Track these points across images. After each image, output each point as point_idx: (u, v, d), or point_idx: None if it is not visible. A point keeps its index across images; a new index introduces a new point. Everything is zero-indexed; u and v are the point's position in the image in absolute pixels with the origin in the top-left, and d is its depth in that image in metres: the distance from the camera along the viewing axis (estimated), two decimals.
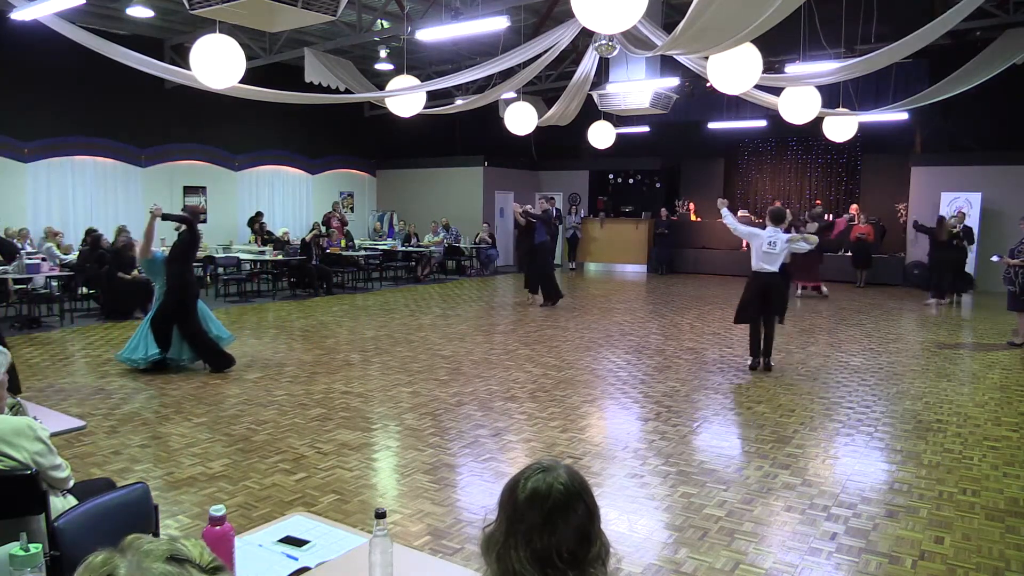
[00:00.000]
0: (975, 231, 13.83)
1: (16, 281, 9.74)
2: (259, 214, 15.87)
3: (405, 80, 8.35)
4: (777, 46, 9.82)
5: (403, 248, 16.75)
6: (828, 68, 7.71)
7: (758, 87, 7.50)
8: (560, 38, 7.42)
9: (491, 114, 12.92)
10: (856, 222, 15.21)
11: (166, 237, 10.54)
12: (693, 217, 18.88)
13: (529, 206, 13.06)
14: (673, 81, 10.07)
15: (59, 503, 2.60)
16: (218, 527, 1.87)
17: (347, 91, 9.85)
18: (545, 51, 7.78)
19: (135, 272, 10.67)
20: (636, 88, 9.96)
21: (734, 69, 6.26)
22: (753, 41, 5.78)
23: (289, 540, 2.20)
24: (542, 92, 14.43)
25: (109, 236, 11.23)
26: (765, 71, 6.58)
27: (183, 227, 7.50)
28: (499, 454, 4.97)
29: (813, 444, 5.24)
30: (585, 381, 7.10)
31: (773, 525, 3.88)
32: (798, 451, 5.06)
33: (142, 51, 6.96)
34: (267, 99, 8.03)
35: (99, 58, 6.78)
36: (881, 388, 6.86)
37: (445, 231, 17.60)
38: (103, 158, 14.04)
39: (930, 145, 16.08)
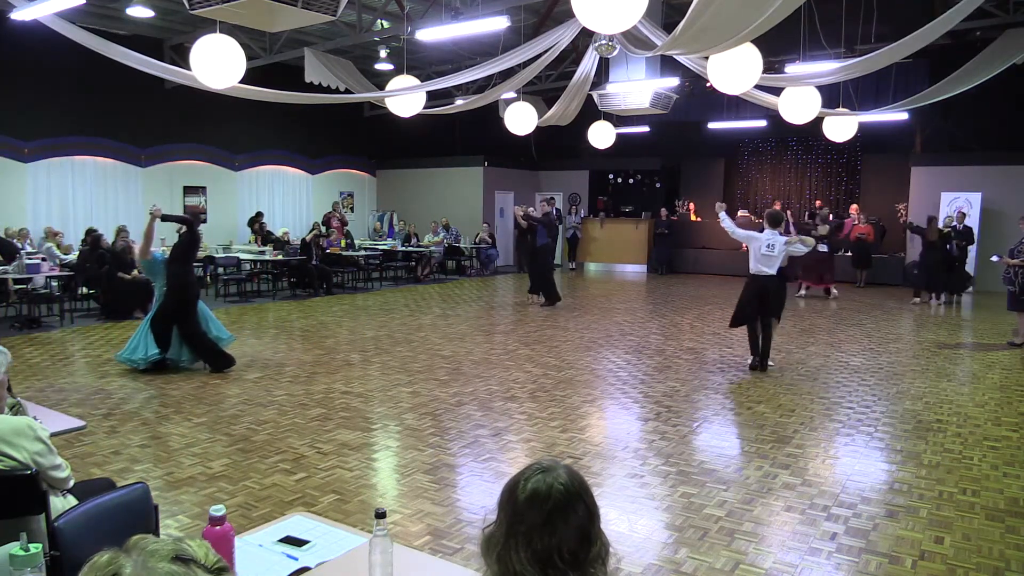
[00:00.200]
0: (975, 231, 13.84)
1: (16, 281, 9.74)
2: (259, 214, 15.86)
3: (405, 80, 8.35)
4: (777, 46, 9.82)
5: (403, 248, 16.75)
6: (828, 68, 7.71)
7: (758, 87, 7.50)
8: (560, 38, 7.42)
9: (491, 114, 12.91)
10: (856, 222, 15.22)
11: (166, 237, 10.56)
12: (693, 217, 18.88)
13: (532, 208, 13.06)
14: (673, 81, 10.07)
15: (59, 503, 2.60)
16: (218, 527, 1.87)
17: (347, 91, 9.85)
18: (545, 51, 7.78)
19: (135, 272, 10.67)
20: (636, 88, 9.96)
21: (734, 69, 6.25)
22: (753, 41, 5.77)
23: (289, 540, 2.20)
24: (542, 92, 14.43)
25: (109, 236, 11.23)
26: (765, 71, 6.58)
27: (184, 227, 7.51)
28: (499, 454, 4.97)
29: (813, 444, 5.24)
30: (585, 381, 7.10)
31: (773, 525, 3.88)
32: (798, 451, 5.06)
33: (142, 51, 6.96)
34: (267, 99, 8.03)
35: (99, 58, 6.78)
36: (881, 388, 6.86)
37: (445, 231, 17.60)
38: (103, 158, 14.03)
39: (930, 145, 16.08)
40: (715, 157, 19.29)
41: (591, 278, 17.64)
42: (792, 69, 9.56)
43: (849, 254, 15.32)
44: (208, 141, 15.72)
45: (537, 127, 9.71)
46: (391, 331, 9.69)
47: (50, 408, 3.93)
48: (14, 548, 1.74)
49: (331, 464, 4.73)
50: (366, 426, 5.57)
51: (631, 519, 3.92)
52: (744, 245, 7.90)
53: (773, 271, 7.42)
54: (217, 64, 5.74)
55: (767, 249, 7.35)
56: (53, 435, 2.70)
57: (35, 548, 1.74)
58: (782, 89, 8.04)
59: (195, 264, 8.87)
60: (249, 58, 6.94)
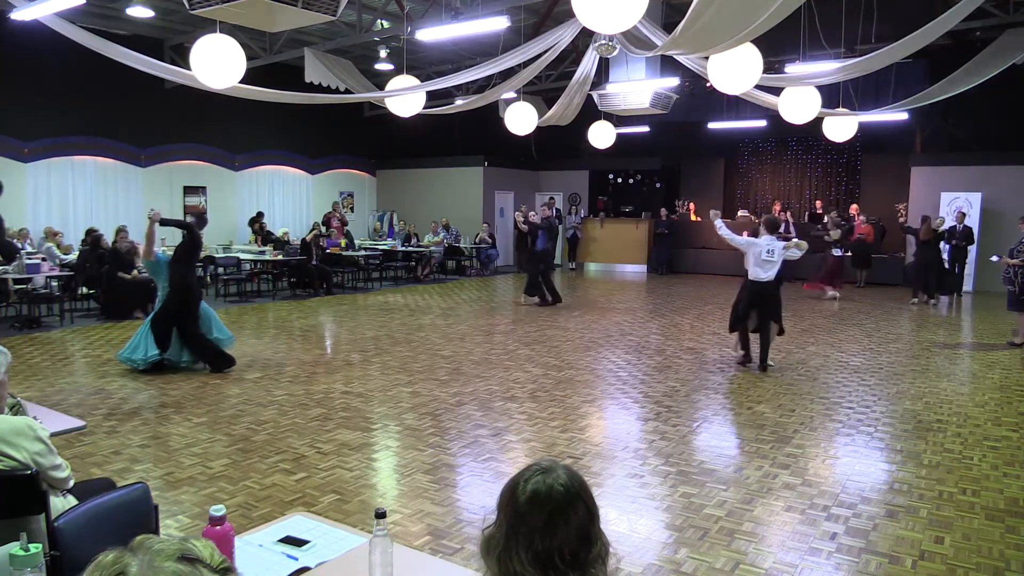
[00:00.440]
0: (975, 231, 13.85)
1: (16, 281, 9.74)
2: (260, 214, 15.86)
3: (405, 80, 8.35)
4: (777, 46, 9.82)
5: (403, 248, 16.75)
6: (828, 68, 7.71)
7: (758, 87, 7.50)
8: (560, 38, 7.41)
9: (491, 114, 12.91)
10: (863, 222, 15.22)
11: (166, 237, 10.55)
12: (693, 217, 18.89)
13: (533, 212, 13.01)
14: (673, 81, 10.07)
15: (59, 503, 2.60)
16: (218, 527, 1.87)
17: (347, 91, 9.85)
18: (545, 51, 7.78)
19: (135, 272, 10.68)
20: (636, 88, 9.95)
21: (734, 69, 6.25)
22: (753, 41, 5.77)
23: (289, 540, 2.20)
24: (542, 92, 14.42)
25: (109, 236, 11.23)
26: (765, 71, 6.57)
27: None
28: (499, 454, 4.97)
29: (813, 444, 5.24)
30: (585, 381, 7.10)
31: (773, 525, 3.88)
32: (798, 451, 5.06)
33: (142, 51, 6.95)
34: (267, 99, 8.03)
35: (99, 58, 6.77)
36: (881, 388, 6.86)
37: (445, 231, 17.60)
38: (103, 158, 14.03)
39: (930, 145, 16.08)
40: (715, 157, 19.29)
41: (591, 278, 17.63)
42: (792, 69, 9.56)
43: (849, 254, 15.32)
44: (208, 141, 15.72)
45: (537, 127, 9.71)
46: (391, 331, 9.69)
47: (50, 408, 3.93)
48: (14, 548, 1.74)
49: (331, 464, 4.73)
50: (366, 426, 5.57)
51: (631, 519, 3.92)
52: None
53: (772, 276, 7.44)
54: (217, 64, 5.74)
55: (767, 255, 7.35)
56: (53, 435, 2.70)
57: (35, 548, 1.74)
58: (782, 89, 8.04)
59: (197, 265, 8.87)
60: (249, 58, 6.94)
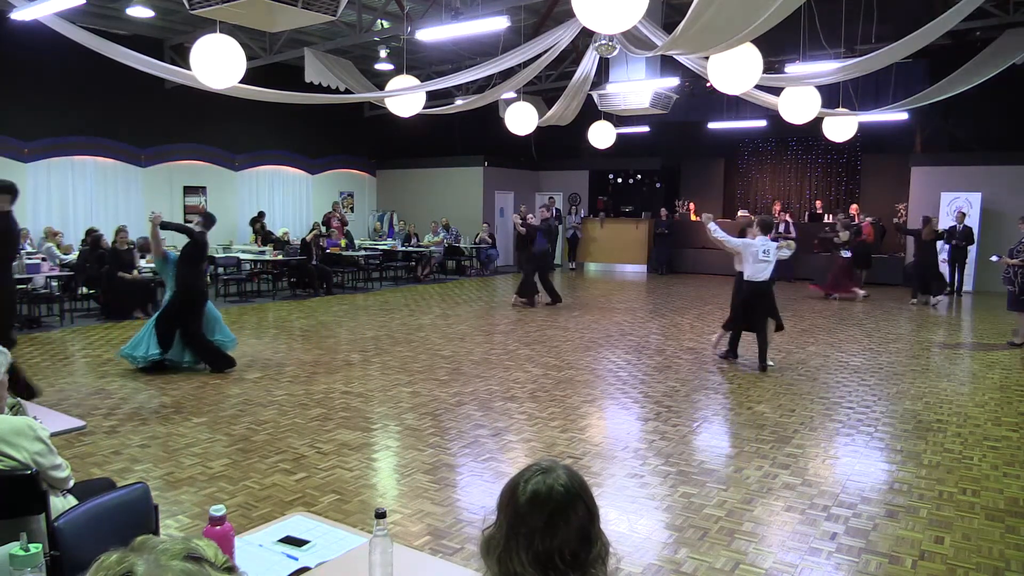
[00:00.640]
0: (975, 231, 13.85)
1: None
2: (261, 214, 15.85)
3: (405, 80, 8.35)
4: (777, 46, 9.82)
5: (403, 248, 16.75)
6: (828, 68, 7.71)
7: (758, 87, 7.50)
8: (560, 38, 7.42)
9: (491, 114, 12.91)
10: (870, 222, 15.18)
11: (166, 238, 10.54)
12: (693, 217, 18.88)
13: (531, 215, 12.98)
14: (673, 81, 10.07)
15: (59, 503, 2.60)
16: (218, 527, 1.87)
17: (347, 91, 9.85)
18: (545, 51, 7.78)
19: (135, 272, 10.68)
20: (636, 88, 9.95)
21: (734, 69, 6.25)
22: (753, 41, 5.77)
23: (289, 540, 2.20)
24: (542, 92, 14.42)
25: (109, 236, 11.23)
26: (765, 71, 6.57)
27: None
28: (499, 454, 4.97)
29: (813, 444, 5.24)
30: (585, 381, 7.10)
31: (773, 525, 3.88)
32: (798, 451, 5.06)
33: (142, 51, 6.95)
34: (267, 99, 8.03)
35: (99, 58, 6.78)
36: (881, 388, 6.86)
37: (445, 231, 17.60)
38: (103, 158, 14.03)
39: (930, 145, 16.08)
40: (715, 157, 19.30)
41: (591, 278, 17.63)
42: (792, 69, 9.56)
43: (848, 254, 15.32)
44: (208, 141, 15.72)
45: (537, 127, 9.71)
46: (391, 331, 9.70)
47: (50, 408, 3.93)
48: (14, 548, 1.74)
49: (331, 464, 4.73)
50: (366, 426, 5.57)
51: (631, 519, 3.92)
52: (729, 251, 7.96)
53: (767, 277, 7.49)
54: (217, 64, 5.74)
55: (763, 255, 7.42)
56: (53, 435, 2.70)
57: (35, 548, 1.74)
58: (782, 89, 8.04)
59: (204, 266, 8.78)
60: (249, 58, 6.94)
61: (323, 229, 14.50)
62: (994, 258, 9.78)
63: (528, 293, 12.15)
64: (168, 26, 13.01)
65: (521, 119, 9.34)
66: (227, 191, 16.21)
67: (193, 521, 3.85)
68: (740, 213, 17.23)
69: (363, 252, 15.44)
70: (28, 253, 10.69)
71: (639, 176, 20.40)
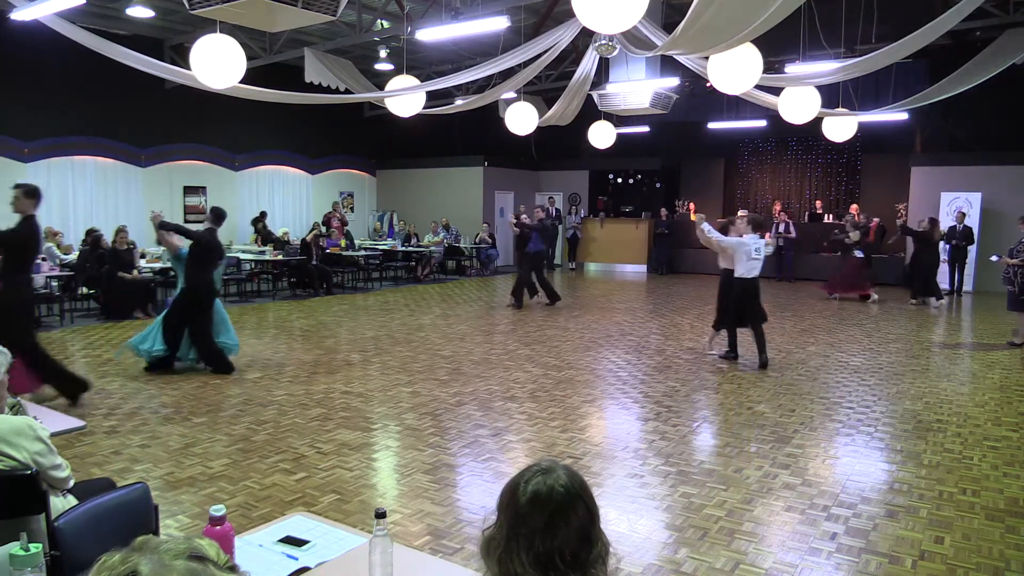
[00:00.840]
0: (975, 231, 13.85)
1: None
2: (263, 214, 15.82)
3: (405, 80, 8.35)
4: (777, 46, 9.81)
5: (403, 248, 16.75)
6: (828, 68, 7.71)
7: (758, 87, 7.50)
8: (560, 38, 7.41)
9: (491, 114, 12.91)
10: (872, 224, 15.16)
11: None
12: (693, 217, 18.88)
13: (524, 216, 12.90)
14: (673, 81, 10.07)
15: (59, 503, 2.60)
16: (218, 527, 1.87)
17: (347, 91, 9.85)
18: (545, 51, 7.78)
19: (135, 272, 10.69)
20: (636, 88, 9.95)
21: (734, 69, 6.25)
22: (753, 41, 5.77)
23: (289, 540, 2.20)
24: (542, 92, 14.42)
25: (109, 236, 11.23)
26: (765, 71, 6.57)
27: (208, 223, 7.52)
28: (499, 454, 4.97)
29: (813, 444, 5.24)
30: (585, 381, 7.10)
31: (773, 525, 3.88)
32: (798, 451, 5.06)
33: (142, 51, 6.95)
34: (267, 99, 8.03)
35: (99, 58, 6.77)
36: (881, 388, 6.86)
37: (445, 231, 17.60)
38: (103, 158, 14.03)
39: (930, 145, 16.08)
40: (715, 157, 19.29)
41: (591, 278, 17.63)
42: (792, 69, 9.56)
43: (838, 253, 15.30)
44: (208, 141, 15.71)
45: (537, 127, 9.71)
46: (391, 331, 9.70)
47: (50, 408, 3.93)
48: (14, 548, 1.74)
49: (331, 464, 4.73)
50: (366, 426, 5.57)
51: (631, 519, 3.92)
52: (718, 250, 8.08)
53: (758, 274, 7.68)
54: (217, 64, 5.74)
55: (755, 253, 7.58)
56: (53, 435, 2.70)
57: (35, 548, 1.74)
58: (782, 89, 8.04)
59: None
60: (249, 58, 6.93)
61: (323, 229, 14.50)
62: (994, 258, 9.78)
63: (518, 294, 12.04)
64: (168, 26, 13.01)
65: (521, 119, 9.34)
66: (227, 191, 16.20)
67: (193, 521, 3.85)
68: (740, 213, 17.19)
69: (363, 252, 15.44)
70: None
71: (639, 176, 20.39)
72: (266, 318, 10.85)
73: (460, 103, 10.28)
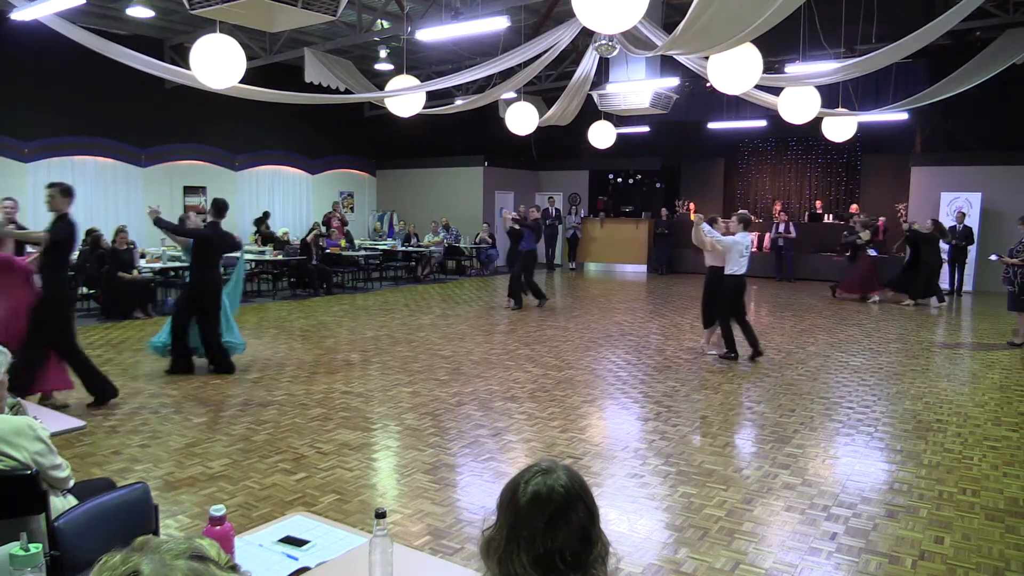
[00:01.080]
0: (975, 231, 13.85)
1: None
2: (266, 214, 15.80)
3: (405, 80, 8.35)
4: (777, 46, 9.82)
5: (403, 248, 16.75)
6: (828, 68, 7.71)
7: (758, 87, 7.50)
8: (560, 38, 7.41)
9: (491, 114, 12.90)
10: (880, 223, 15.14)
11: (165, 238, 10.54)
12: (693, 217, 18.85)
13: (514, 213, 12.76)
14: (673, 81, 10.07)
15: (59, 503, 2.60)
16: (218, 527, 1.87)
17: (347, 91, 9.85)
18: (545, 51, 7.78)
19: (135, 272, 10.68)
20: (636, 88, 9.95)
21: (734, 69, 6.25)
22: (753, 41, 5.77)
23: (289, 540, 2.20)
24: (542, 92, 14.42)
25: (109, 236, 11.23)
26: (765, 71, 6.57)
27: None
28: (499, 454, 4.97)
29: (813, 444, 5.24)
30: (585, 381, 7.10)
31: (773, 525, 3.88)
32: (798, 451, 5.06)
33: (142, 51, 6.95)
34: (267, 99, 8.03)
35: (99, 58, 6.78)
36: (881, 388, 6.86)
37: (445, 231, 17.60)
38: (103, 158, 14.03)
39: (930, 145, 16.08)
40: (715, 157, 19.28)
41: (591, 278, 17.63)
42: (792, 69, 9.56)
43: (849, 255, 15.29)
44: (208, 141, 15.71)
45: (537, 127, 9.71)
46: (391, 331, 9.70)
47: (50, 408, 3.93)
48: (14, 548, 1.74)
49: (331, 464, 4.73)
50: (366, 426, 5.57)
51: (631, 519, 3.92)
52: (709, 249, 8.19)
53: (746, 270, 7.95)
54: (217, 64, 5.74)
55: (745, 251, 7.88)
56: (53, 435, 2.70)
57: (35, 548, 1.74)
58: (782, 89, 8.05)
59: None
60: (249, 58, 6.93)
61: (323, 229, 14.50)
62: (993, 257, 9.78)
63: (516, 295, 11.94)
64: (168, 26, 13.01)
65: (521, 119, 9.34)
66: (227, 191, 16.17)
67: (193, 521, 3.85)
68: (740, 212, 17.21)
69: (363, 252, 15.44)
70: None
71: (639, 176, 20.39)
72: (266, 318, 10.84)
73: (460, 103, 10.28)
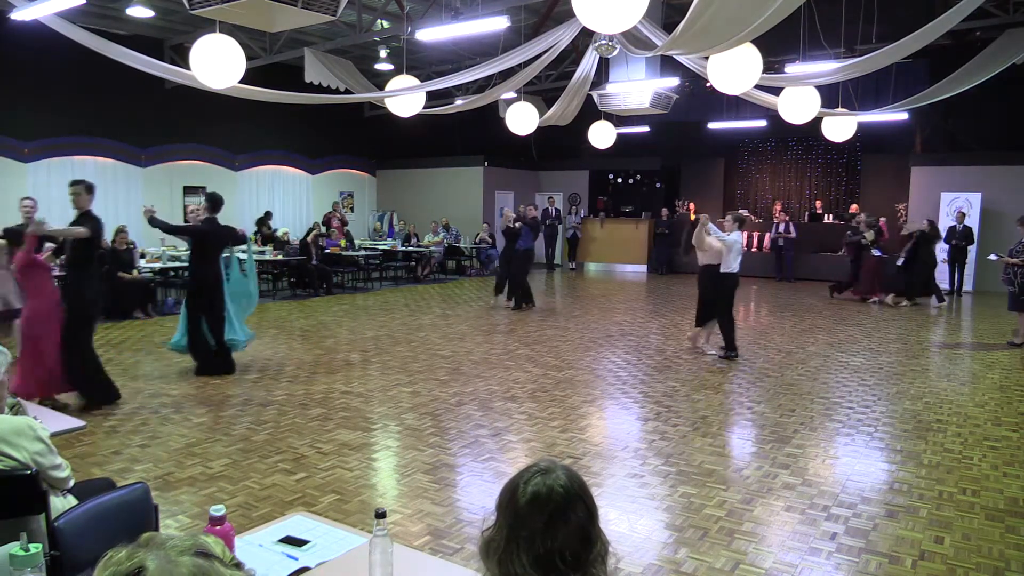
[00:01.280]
0: (975, 231, 13.85)
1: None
2: (268, 214, 15.79)
3: (405, 80, 8.35)
4: (777, 46, 9.82)
5: (403, 248, 16.75)
6: (828, 68, 7.71)
7: (758, 87, 7.51)
8: (560, 38, 7.42)
9: (491, 114, 12.90)
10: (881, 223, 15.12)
11: (165, 238, 10.54)
12: (693, 217, 18.86)
13: (513, 213, 12.71)
14: (673, 81, 10.07)
15: (59, 503, 2.60)
16: (218, 527, 1.87)
17: (347, 91, 9.85)
18: (545, 51, 7.78)
19: (135, 272, 10.69)
20: (636, 88, 9.95)
21: (734, 69, 6.25)
22: (753, 41, 5.78)
23: (289, 540, 2.20)
24: (542, 92, 14.42)
25: (108, 236, 11.21)
26: (765, 71, 6.58)
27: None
28: (499, 454, 4.97)
29: (813, 444, 5.24)
30: (585, 381, 7.10)
31: (773, 525, 3.88)
32: (798, 451, 5.06)
33: (142, 51, 6.95)
34: (267, 99, 8.03)
35: (99, 58, 6.78)
36: (881, 388, 6.86)
37: (445, 231, 17.60)
38: (103, 158, 14.03)
39: (930, 145, 16.08)
40: (715, 157, 19.28)
41: (591, 278, 17.63)
42: (792, 69, 9.56)
43: (851, 257, 15.28)
44: (208, 141, 15.71)
45: (537, 127, 9.71)
46: (391, 331, 9.69)
47: (50, 408, 3.93)
48: (14, 548, 1.74)
49: (331, 464, 4.73)
50: (366, 426, 5.57)
51: (631, 519, 3.92)
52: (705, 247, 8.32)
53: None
54: (217, 64, 5.74)
55: (740, 248, 8.11)
56: (53, 435, 2.70)
57: (35, 548, 1.74)
58: (782, 89, 8.05)
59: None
60: (249, 58, 6.93)
61: (323, 229, 14.49)
62: (992, 257, 9.78)
63: (516, 295, 11.91)
64: (168, 26, 13.01)
65: (521, 119, 9.35)
66: (227, 191, 16.15)
67: (193, 521, 3.85)
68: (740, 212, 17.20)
69: (363, 252, 15.43)
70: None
71: (639, 176, 20.39)
72: (266, 318, 10.84)
73: (460, 103, 10.28)
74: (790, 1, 4.63)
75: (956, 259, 13.81)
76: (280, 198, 17.39)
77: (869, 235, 12.92)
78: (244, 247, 8.11)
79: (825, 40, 9.50)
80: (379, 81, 11.25)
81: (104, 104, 13.70)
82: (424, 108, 8.79)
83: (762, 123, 15.53)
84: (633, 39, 7.19)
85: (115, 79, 11.19)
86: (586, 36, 8.56)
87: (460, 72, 8.22)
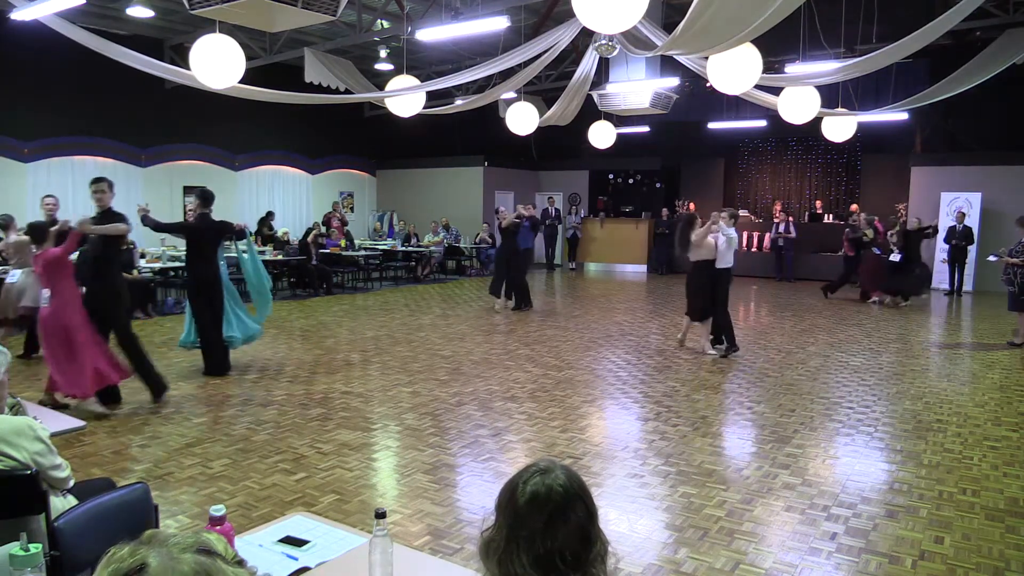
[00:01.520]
0: (975, 231, 13.85)
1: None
2: (270, 214, 15.76)
3: (405, 80, 8.35)
4: (777, 46, 9.81)
5: (403, 248, 16.75)
6: (828, 68, 7.71)
7: (758, 87, 7.51)
8: (560, 38, 7.42)
9: (491, 114, 12.90)
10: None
11: (165, 238, 10.54)
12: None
13: (505, 211, 12.67)
14: (673, 81, 10.07)
15: (59, 503, 2.60)
16: (218, 527, 1.87)
17: (347, 91, 9.85)
18: (545, 51, 7.78)
19: (135, 272, 10.67)
20: (636, 88, 9.95)
21: (734, 69, 6.26)
22: (753, 41, 5.78)
23: (289, 540, 2.20)
24: (542, 92, 14.42)
25: None
26: (765, 71, 6.58)
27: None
28: (499, 454, 4.97)
29: (813, 444, 5.24)
30: (585, 381, 7.10)
31: (773, 525, 3.88)
32: (798, 451, 5.06)
33: (142, 51, 6.96)
34: (267, 99, 8.03)
35: (99, 58, 6.78)
36: (881, 388, 6.86)
37: (445, 231, 17.60)
38: (103, 158, 14.02)
39: (930, 145, 16.08)
40: (715, 157, 19.28)
41: (591, 278, 17.63)
42: (792, 69, 9.56)
43: (851, 254, 15.27)
44: (208, 141, 15.71)
45: (537, 127, 9.71)
46: (391, 331, 9.69)
47: (50, 408, 3.93)
48: (14, 548, 1.74)
49: (331, 464, 4.73)
50: (366, 426, 5.57)
51: (631, 519, 3.92)
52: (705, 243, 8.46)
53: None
54: (217, 64, 5.74)
55: (735, 244, 8.31)
56: (53, 435, 2.70)
57: (35, 548, 1.74)
58: (782, 89, 8.05)
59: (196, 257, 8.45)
60: (249, 58, 6.93)
61: (323, 229, 14.49)
62: (992, 257, 9.77)
63: (518, 296, 11.90)
64: (168, 26, 13.01)
65: (521, 119, 9.35)
66: (227, 191, 16.16)
67: (193, 521, 3.85)
68: (741, 213, 17.22)
69: (363, 252, 15.43)
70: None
71: (639, 176, 20.39)
72: (266, 318, 10.82)
73: (460, 103, 10.28)
74: (790, 1, 4.63)
75: (956, 259, 13.81)
76: (280, 198, 17.38)
77: (869, 232, 12.92)
78: (245, 242, 8.12)
79: (825, 40, 9.50)
80: (379, 81, 11.25)
81: (104, 104, 13.70)
82: (424, 108, 8.79)
83: (762, 123, 15.53)
84: (633, 39, 7.19)
85: (115, 79, 11.19)
86: (586, 36, 8.57)
87: (460, 72, 8.22)
